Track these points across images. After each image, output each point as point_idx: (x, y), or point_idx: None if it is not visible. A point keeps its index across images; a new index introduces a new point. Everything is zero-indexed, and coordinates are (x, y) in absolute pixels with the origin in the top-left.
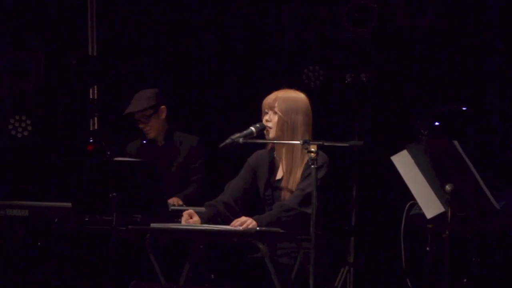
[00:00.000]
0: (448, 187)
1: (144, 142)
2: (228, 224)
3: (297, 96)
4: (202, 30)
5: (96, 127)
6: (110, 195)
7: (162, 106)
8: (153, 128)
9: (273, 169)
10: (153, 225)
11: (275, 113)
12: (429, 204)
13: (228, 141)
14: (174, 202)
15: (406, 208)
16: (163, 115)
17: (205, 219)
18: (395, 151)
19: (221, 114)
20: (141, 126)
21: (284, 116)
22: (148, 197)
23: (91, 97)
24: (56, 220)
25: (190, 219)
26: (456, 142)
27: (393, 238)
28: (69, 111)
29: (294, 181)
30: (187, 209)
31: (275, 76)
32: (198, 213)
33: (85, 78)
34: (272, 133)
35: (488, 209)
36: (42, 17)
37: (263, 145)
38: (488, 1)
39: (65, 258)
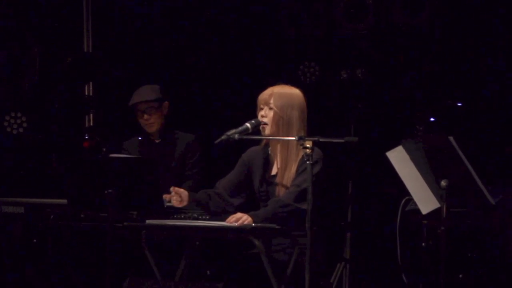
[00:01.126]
0: (443, 183)
1: (140, 138)
2: (221, 213)
3: (293, 92)
4: (198, 27)
5: (91, 124)
6: (106, 191)
7: (166, 102)
8: (156, 122)
9: (267, 165)
10: (148, 221)
11: (271, 108)
12: (425, 199)
13: (223, 137)
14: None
15: (402, 204)
16: (166, 111)
17: (195, 198)
18: (391, 147)
19: (217, 111)
20: (145, 117)
21: (280, 111)
22: (144, 193)
23: (86, 94)
24: (51, 216)
25: (176, 195)
26: (451, 138)
27: (388, 233)
28: (64, 108)
29: (289, 177)
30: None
31: (271, 72)
32: (190, 193)
33: (80, 75)
34: (267, 129)
35: (483, 205)
36: (38, 14)
37: (258, 141)
38: None
39: (61, 255)
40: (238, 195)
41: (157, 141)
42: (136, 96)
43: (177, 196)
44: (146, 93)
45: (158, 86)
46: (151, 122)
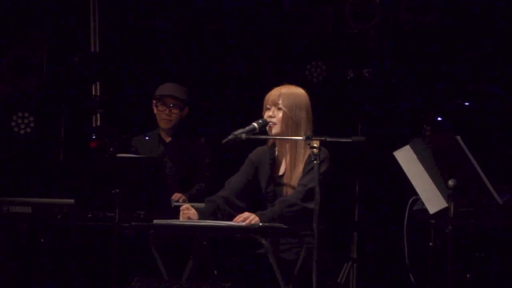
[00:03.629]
0: (451, 182)
1: (147, 138)
2: (230, 219)
3: (300, 92)
4: (204, 26)
5: (98, 124)
6: (113, 191)
7: (187, 107)
8: (174, 121)
9: (274, 165)
10: (156, 221)
11: (280, 109)
12: (432, 199)
13: (230, 137)
14: (179, 199)
15: (409, 203)
16: (184, 115)
17: (204, 215)
18: (398, 147)
19: (224, 110)
20: (166, 112)
21: (289, 112)
22: (151, 193)
23: (93, 93)
24: (59, 216)
25: (186, 211)
26: (459, 137)
27: (396, 233)
28: (71, 108)
29: (296, 176)
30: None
31: (278, 72)
32: (198, 209)
33: (88, 75)
34: (276, 129)
35: (491, 204)
36: (45, 14)
37: (265, 141)
38: None
39: (68, 255)
40: (246, 197)
41: (167, 141)
42: (168, 89)
43: (186, 216)
44: (178, 90)
45: (187, 89)
46: (170, 119)
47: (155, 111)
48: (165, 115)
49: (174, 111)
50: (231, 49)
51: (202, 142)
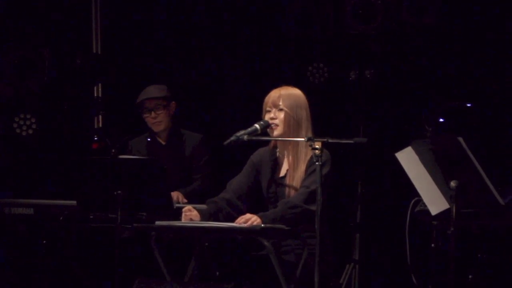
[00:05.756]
0: (453, 184)
1: (149, 140)
2: (232, 221)
3: (298, 92)
4: (205, 27)
5: (100, 125)
6: (115, 193)
7: (173, 102)
8: (164, 121)
9: (276, 166)
10: (158, 222)
11: (281, 110)
12: (434, 200)
13: (232, 138)
14: (178, 198)
15: (411, 204)
16: (172, 111)
17: (206, 216)
18: (400, 148)
19: (225, 112)
20: (152, 115)
21: (290, 111)
22: (153, 194)
23: (95, 95)
24: (61, 218)
25: (188, 212)
26: (461, 139)
27: (398, 234)
28: (73, 109)
29: (298, 177)
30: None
31: (279, 73)
32: (200, 210)
33: (90, 76)
34: (279, 130)
35: (493, 205)
36: (47, 15)
37: (267, 142)
38: None
39: (70, 256)
40: (247, 199)
41: (164, 142)
42: (144, 94)
43: (188, 218)
44: (153, 91)
45: (165, 86)
46: (159, 121)
47: (145, 118)
48: (152, 119)
49: (159, 111)
50: (233, 50)
51: (199, 141)
